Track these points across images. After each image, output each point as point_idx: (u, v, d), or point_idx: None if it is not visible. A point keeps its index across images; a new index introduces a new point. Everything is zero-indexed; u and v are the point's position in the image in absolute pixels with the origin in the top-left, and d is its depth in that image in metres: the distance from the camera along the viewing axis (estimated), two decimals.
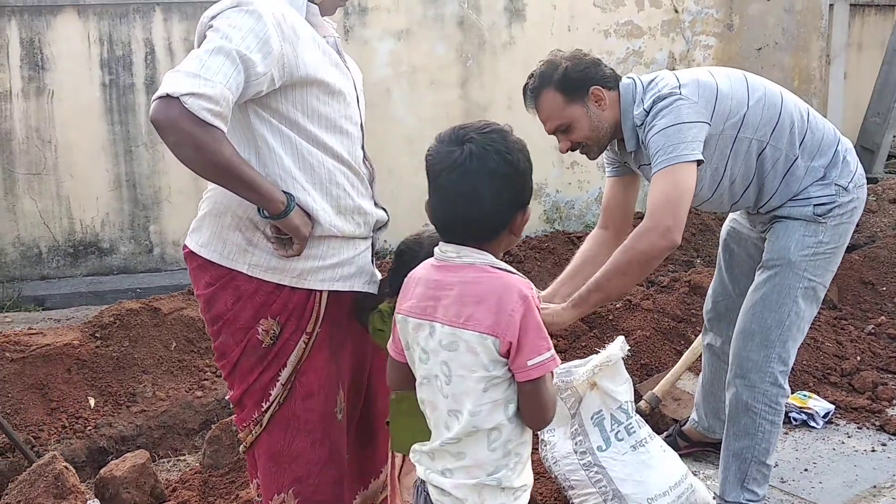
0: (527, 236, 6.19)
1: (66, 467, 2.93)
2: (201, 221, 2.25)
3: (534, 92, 2.67)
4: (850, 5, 11.71)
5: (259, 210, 2.10)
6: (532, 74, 2.70)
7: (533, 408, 1.80)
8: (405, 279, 1.92)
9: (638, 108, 2.65)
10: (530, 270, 5.53)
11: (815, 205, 2.75)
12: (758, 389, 2.83)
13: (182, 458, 3.80)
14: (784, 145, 2.74)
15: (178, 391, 4.06)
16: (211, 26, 2.02)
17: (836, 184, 2.77)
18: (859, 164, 2.87)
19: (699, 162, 2.54)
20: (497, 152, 1.74)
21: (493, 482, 1.81)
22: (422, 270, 1.89)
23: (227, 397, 2.45)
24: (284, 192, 2.09)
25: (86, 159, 6.48)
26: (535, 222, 7.28)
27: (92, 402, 3.91)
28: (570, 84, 2.62)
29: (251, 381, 2.27)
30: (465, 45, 7.05)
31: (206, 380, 4.17)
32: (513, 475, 1.83)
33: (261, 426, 2.30)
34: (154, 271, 6.76)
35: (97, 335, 4.16)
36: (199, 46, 2.05)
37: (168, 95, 1.88)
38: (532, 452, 1.98)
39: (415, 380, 1.93)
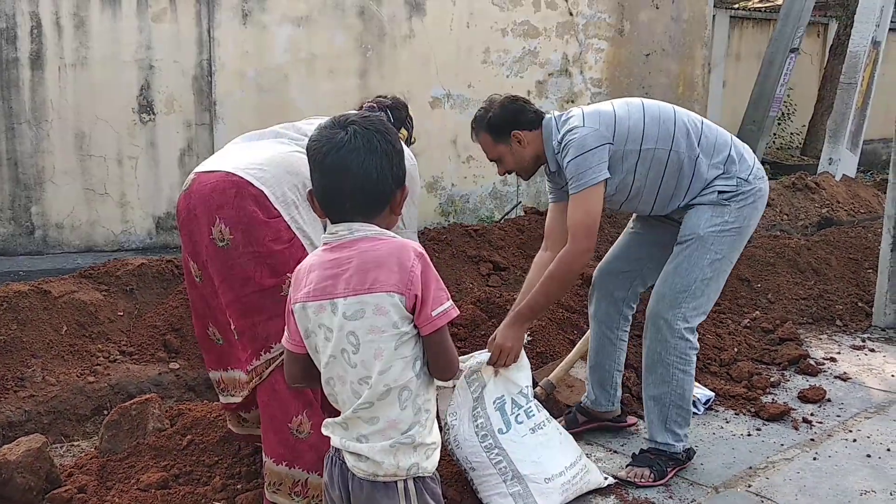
0: (425, 227, 6.27)
1: None
2: (267, 173, 2.68)
3: (474, 130, 3.29)
4: (731, 17, 12.35)
5: None
6: (475, 114, 3.30)
7: (441, 358, 1.97)
8: (294, 274, 2.03)
9: (555, 138, 3.20)
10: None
11: (718, 192, 3.22)
12: (669, 343, 3.24)
13: (75, 443, 3.70)
14: (684, 149, 3.21)
15: (69, 376, 3.93)
16: None
17: (737, 177, 3.23)
18: (756, 160, 3.34)
19: (607, 179, 3.09)
20: (378, 132, 1.93)
21: (408, 440, 1.94)
22: (312, 259, 2.00)
23: (233, 328, 2.71)
24: None
25: None
26: (430, 215, 7.37)
27: None
28: (495, 129, 3.23)
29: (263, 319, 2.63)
30: (366, 36, 7.06)
31: (98, 365, 4.05)
32: (424, 431, 1.97)
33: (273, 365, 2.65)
34: (35, 254, 6.49)
35: None
36: None
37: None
38: None
39: (314, 371, 2.03)
